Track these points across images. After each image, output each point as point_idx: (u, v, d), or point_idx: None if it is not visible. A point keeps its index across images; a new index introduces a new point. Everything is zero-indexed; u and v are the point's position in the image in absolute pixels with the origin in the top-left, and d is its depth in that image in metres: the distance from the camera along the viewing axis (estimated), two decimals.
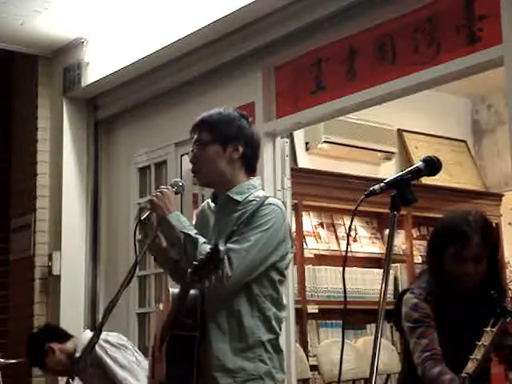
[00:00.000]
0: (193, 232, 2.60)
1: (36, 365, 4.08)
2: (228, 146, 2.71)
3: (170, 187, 2.70)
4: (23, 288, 5.72)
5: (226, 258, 2.48)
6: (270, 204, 2.64)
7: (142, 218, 2.63)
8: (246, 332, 2.59)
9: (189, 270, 2.41)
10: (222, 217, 2.70)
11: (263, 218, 2.59)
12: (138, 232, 2.67)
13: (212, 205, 2.80)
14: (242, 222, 2.59)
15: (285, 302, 2.75)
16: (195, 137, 2.75)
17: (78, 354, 3.70)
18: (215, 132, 2.72)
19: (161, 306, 2.83)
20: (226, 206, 2.71)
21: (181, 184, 2.73)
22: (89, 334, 3.85)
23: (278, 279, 2.67)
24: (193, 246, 2.54)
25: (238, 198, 2.69)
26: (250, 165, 2.77)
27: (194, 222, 2.85)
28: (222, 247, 2.37)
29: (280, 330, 2.69)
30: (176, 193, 2.70)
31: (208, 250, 2.37)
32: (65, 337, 3.94)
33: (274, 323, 2.65)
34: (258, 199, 2.66)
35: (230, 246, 2.54)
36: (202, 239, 2.57)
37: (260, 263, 2.58)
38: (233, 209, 2.68)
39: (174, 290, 2.66)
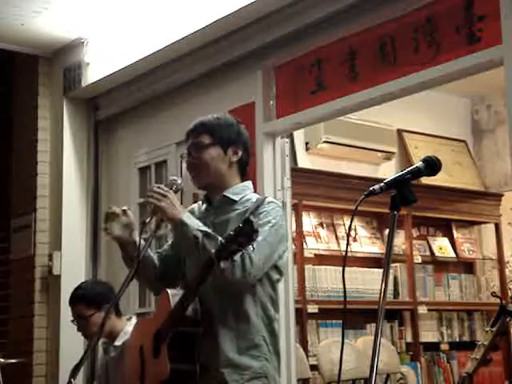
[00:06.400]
0: (210, 230, 2.58)
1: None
2: (228, 149, 2.74)
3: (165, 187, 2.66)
4: (23, 288, 5.72)
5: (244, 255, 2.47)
6: (271, 202, 2.67)
7: (147, 221, 2.61)
8: (252, 331, 2.61)
9: (212, 251, 2.38)
10: (219, 217, 2.71)
11: (267, 215, 2.61)
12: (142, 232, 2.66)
13: (203, 206, 2.80)
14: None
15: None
16: (192, 140, 2.74)
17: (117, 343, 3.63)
18: (216, 135, 2.73)
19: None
20: (222, 206, 2.72)
21: (179, 182, 2.71)
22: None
23: (277, 279, 2.70)
24: (214, 243, 2.50)
25: (235, 197, 2.71)
26: (244, 169, 2.80)
27: None
28: (253, 218, 2.33)
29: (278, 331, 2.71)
30: (175, 191, 2.68)
31: (239, 225, 2.34)
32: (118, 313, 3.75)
33: (274, 324, 2.68)
34: (255, 198, 2.69)
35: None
36: (219, 236, 2.53)
37: (270, 256, 2.58)
38: (230, 208, 2.70)
39: (173, 290, 2.65)
